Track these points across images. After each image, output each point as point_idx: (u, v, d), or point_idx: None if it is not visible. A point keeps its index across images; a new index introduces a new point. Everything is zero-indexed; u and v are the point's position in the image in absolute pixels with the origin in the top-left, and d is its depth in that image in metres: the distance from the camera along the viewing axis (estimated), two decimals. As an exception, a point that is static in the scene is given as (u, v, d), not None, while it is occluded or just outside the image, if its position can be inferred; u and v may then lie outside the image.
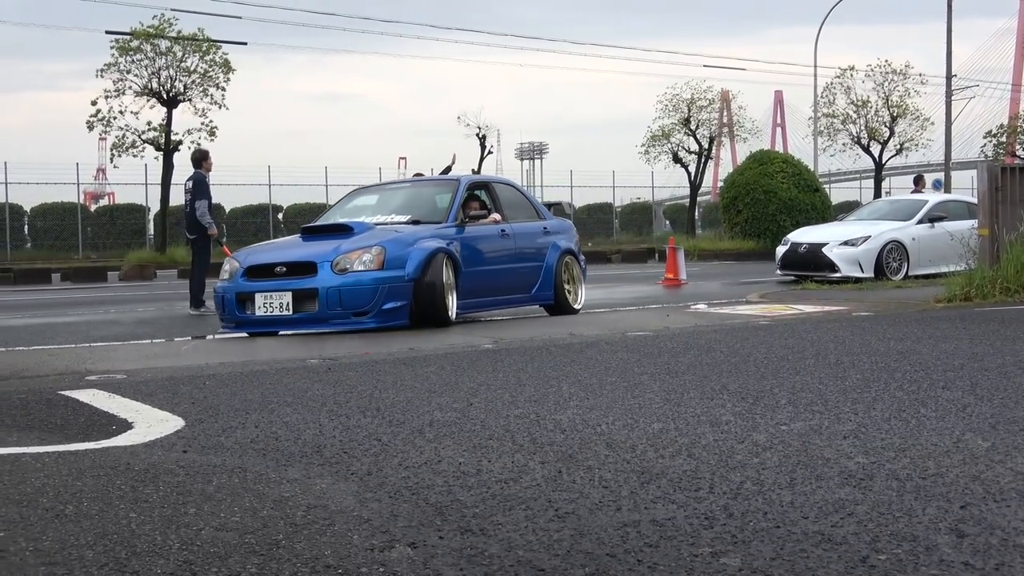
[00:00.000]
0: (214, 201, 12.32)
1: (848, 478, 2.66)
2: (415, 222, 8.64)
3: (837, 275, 14.08)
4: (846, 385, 4.28)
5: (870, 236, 14.35)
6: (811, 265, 14.60)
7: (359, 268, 7.69)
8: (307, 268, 7.78)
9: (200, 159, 11.99)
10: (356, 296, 7.61)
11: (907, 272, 14.16)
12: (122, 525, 2.36)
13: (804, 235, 15.60)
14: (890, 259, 14.15)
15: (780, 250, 15.65)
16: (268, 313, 7.74)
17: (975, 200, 18.51)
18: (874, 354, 5.29)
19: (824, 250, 14.50)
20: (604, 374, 4.82)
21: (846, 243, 14.43)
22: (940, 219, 14.61)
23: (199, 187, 11.65)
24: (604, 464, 2.91)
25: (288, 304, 7.67)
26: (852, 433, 3.26)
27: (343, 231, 8.31)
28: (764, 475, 2.72)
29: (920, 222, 14.63)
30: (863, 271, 14.05)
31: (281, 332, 7.94)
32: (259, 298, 7.75)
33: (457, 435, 3.39)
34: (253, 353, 6.58)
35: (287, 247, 8.58)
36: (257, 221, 37.98)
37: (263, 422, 3.75)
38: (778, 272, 15.43)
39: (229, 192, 41.96)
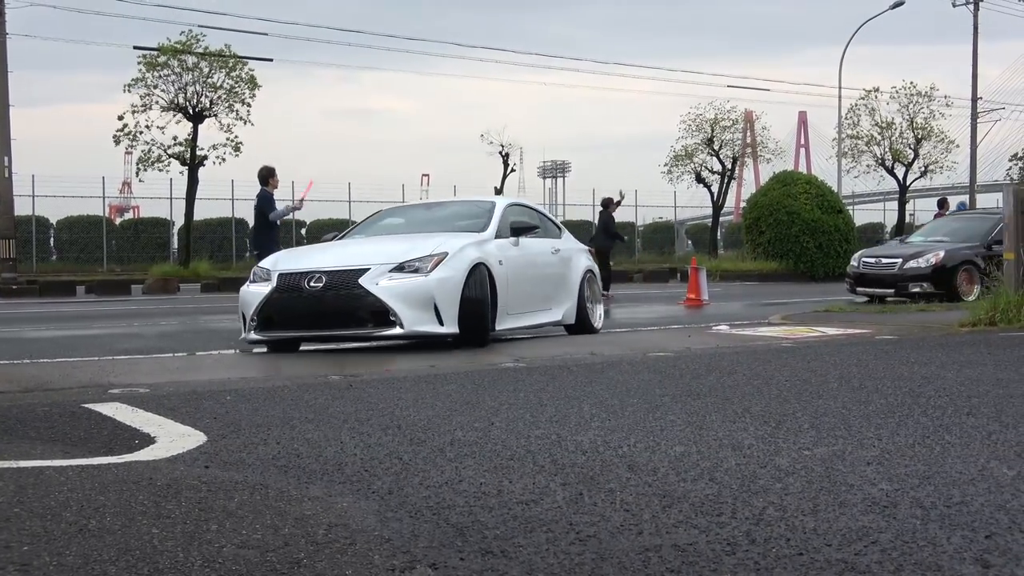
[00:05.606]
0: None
1: (872, 505, 2.64)
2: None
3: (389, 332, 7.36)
4: (869, 410, 4.25)
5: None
6: (338, 316, 7.49)
7: None
8: None
9: (267, 176, 12.28)
10: None
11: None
12: (144, 541, 2.37)
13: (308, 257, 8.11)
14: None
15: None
16: None
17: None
18: (897, 379, 5.25)
19: (362, 281, 7.39)
20: (625, 395, 4.81)
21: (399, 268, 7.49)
22: (527, 230, 8.80)
23: (265, 204, 11.95)
24: (625, 487, 2.90)
25: None
26: (876, 459, 3.23)
27: None
28: (787, 500, 2.71)
29: (500, 235, 8.55)
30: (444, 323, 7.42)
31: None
32: None
33: (478, 455, 3.39)
34: (275, 368, 6.62)
35: None
36: (280, 236, 38.10)
37: (284, 438, 3.76)
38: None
39: (252, 208, 42.16)
